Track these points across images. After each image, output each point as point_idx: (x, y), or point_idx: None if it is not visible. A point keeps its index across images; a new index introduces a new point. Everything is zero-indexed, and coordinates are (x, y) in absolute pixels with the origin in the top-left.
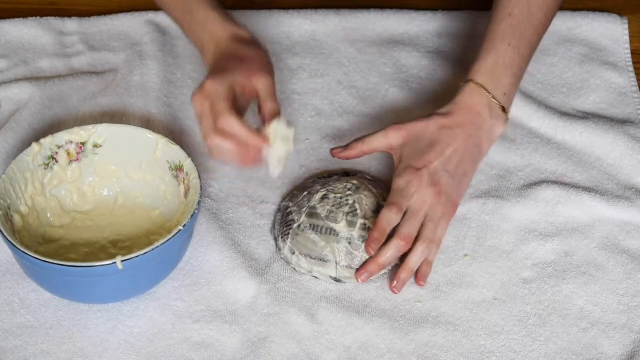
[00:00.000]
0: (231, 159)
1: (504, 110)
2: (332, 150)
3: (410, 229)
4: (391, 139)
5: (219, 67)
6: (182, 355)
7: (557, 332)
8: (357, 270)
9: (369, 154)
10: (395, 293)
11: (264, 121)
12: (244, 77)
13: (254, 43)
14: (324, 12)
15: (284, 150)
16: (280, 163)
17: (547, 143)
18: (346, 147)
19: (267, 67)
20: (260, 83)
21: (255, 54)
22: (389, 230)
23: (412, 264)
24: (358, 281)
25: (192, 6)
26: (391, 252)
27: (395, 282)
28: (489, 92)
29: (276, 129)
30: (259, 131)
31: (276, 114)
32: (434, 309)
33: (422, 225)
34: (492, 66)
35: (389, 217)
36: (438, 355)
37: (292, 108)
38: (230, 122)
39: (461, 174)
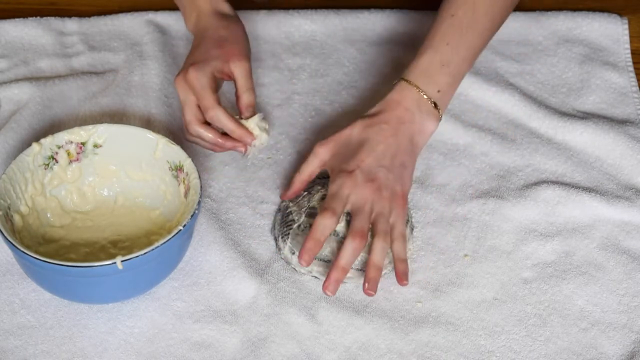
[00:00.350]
0: (207, 147)
1: (436, 106)
2: (281, 195)
3: (359, 223)
4: (321, 155)
5: (201, 52)
6: (182, 355)
7: (557, 332)
8: (323, 284)
9: (310, 179)
10: (370, 295)
11: (241, 112)
12: (222, 62)
13: (232, 18)
14: (324, 12)
15: (265, 139)
16: (259, 150)
17: (547, 143)
18: (289, 186)
19: (244, 48)
20: (237, 69)
21: (233, 34)
22: (323, 238)
23: (374, 260)
24: (327, 294)
25: None
26: (348, 252)
27: (366, 284)
28: (420, 89)
29: (257, 123)
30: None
31: (253, 107)
32: (434, 309)
33: (374, 222)
34: (427, 64)
35: (323, 224)
36: (438, 355)
37: (292, 108)
38: (219, 116)
39: (398, 166)
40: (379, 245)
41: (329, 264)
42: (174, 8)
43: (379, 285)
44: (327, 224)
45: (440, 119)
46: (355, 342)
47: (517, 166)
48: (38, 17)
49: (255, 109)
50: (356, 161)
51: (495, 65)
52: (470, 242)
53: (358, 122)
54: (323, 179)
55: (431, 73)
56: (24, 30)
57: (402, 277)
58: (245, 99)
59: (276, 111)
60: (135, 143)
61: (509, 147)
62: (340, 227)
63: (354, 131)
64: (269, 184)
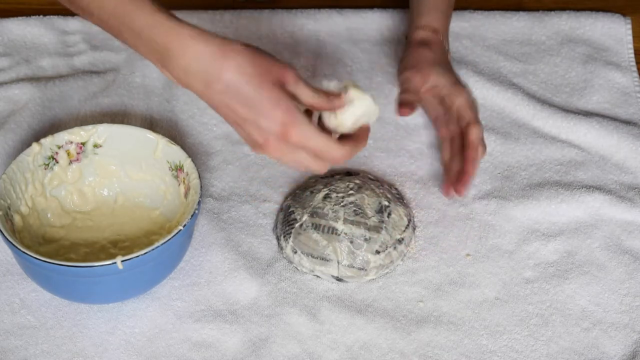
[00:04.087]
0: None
1: None
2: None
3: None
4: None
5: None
6: (183, 355)
7: (559, 332)
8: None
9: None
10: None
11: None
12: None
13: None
14: (327, 11)
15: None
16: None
17: (551, 143)
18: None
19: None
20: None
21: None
22: None
23: None
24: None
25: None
26: None
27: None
28: None
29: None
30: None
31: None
32: (435, 309)
33: None
34: None
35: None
36: (440, 355)
37: None
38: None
39: None
40: None
41: (331, 263)
42: (175, 7)
43: (381, 284)
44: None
45: None
46: (357, 342)
47: (520, 166)
48: (41, 16)
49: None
50: None
51: (499, 65)
52: (472, 242)
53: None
54: (325, 178)
55: None
56: (27, 28)
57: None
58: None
59: None
60: (135, 143)
61: (512, 146)
62: (343, 226)
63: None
64: (272, 183)
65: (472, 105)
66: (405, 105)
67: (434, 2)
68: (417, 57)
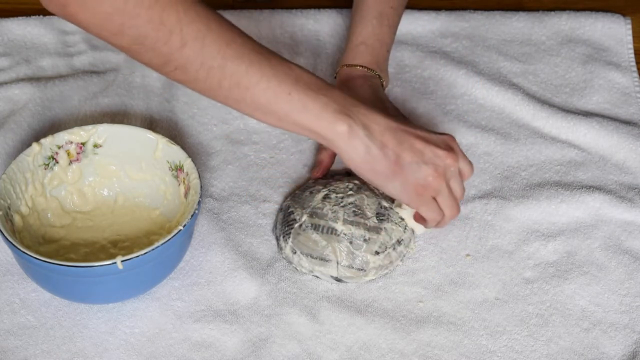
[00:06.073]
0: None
1: None
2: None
3: None
4: None
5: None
6: (183, 355)
7: (559, 332)
8: None
9: None
10: None
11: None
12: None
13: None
14: (327, 11)
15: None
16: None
17: (551, 143)
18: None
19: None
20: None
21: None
22: None
23: None
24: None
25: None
26: None
27: None
28: None
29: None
30: None
31: None
32: (435, 309)
33: None
34: None
35: None
36: (439, 355)
37: None
38: None
39: None
40: None
41: (330, 263)
42: None
43: (380, 284)
44: None
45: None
46: (356, 342)
47: (520, 166)
48: (41, 16)
49: None
50: None
51: (499, 65)
52: (472, 242)
53: None
54: (324, 179)
55: None
56: (27, 28)
57: None
58: None
59: None
60: (135, 143)
61: (512, 147)
62: (342, 226)
63: None
64: (272, 183)
65: None
66: (318, 165)
67: (362, 37)
68: None
